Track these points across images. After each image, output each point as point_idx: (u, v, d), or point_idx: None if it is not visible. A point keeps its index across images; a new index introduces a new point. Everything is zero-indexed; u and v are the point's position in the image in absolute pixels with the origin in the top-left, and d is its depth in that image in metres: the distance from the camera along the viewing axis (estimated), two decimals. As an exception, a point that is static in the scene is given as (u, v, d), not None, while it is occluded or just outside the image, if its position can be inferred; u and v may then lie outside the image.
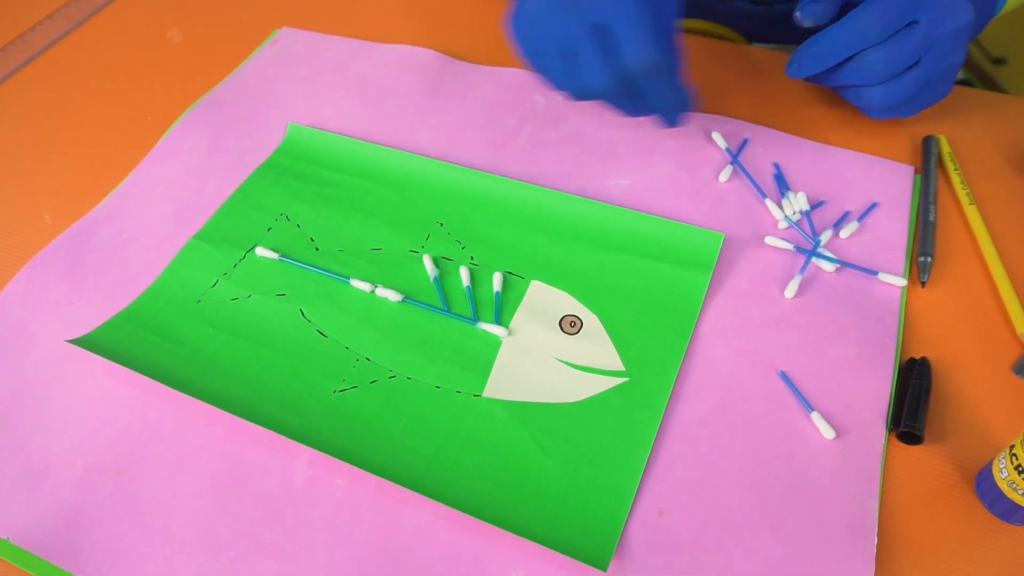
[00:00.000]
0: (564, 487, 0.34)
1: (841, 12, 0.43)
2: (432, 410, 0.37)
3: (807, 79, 0.46)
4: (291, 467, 0.36)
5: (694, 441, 0.36)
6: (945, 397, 0.37)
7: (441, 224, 0.45)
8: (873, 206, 0.45)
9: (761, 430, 0.36)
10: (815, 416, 0.36)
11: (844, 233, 0.43)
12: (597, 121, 0.51)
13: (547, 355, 0.39)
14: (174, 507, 0.35)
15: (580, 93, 0.43)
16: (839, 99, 0.51)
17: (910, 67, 0.43)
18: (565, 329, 0.40)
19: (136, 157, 0.51)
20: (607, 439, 0.36)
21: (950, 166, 0.47)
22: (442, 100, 0.53)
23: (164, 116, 0.54)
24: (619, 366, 0.38)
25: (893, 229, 0.44)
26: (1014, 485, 0.31)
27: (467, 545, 0.33)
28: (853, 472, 0.34)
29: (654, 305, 0.41)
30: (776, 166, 0.47)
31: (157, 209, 0.48)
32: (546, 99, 0.53)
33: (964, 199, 0.45)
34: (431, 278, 0.42)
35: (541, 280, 0.42)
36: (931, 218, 0.43)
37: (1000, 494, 0.32)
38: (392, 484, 0.34)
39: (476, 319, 0.41)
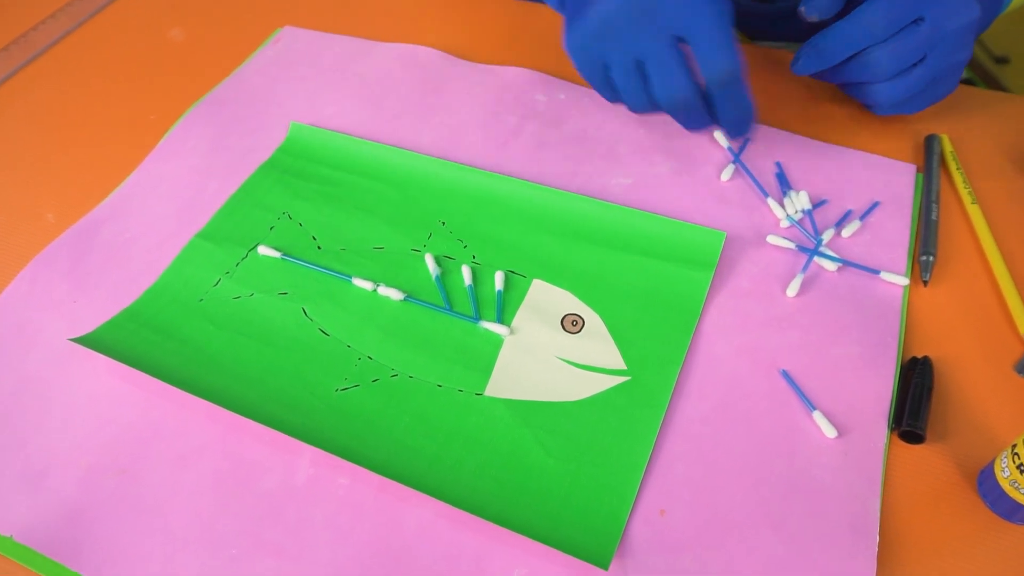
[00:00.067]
0: (566, 486, 0.34)
1: (846, 8, 0.43)
2: (434, 409, 0.37)
3: (812, 76, 0.46)
4: (293, 466, 0.36)
5: (696, 440, 0.36)
6: (947, 396, 0.37)
7: (443, 223, 0.45)
8: (875, 205, 0.45)
9: (763, 429, 0.36)
10: (817, 415, 0.36)
11: (846, 232, 0.43)
12: (599, 120, 0.51)
13: (549, 354, 0.39)
14: (176, 505, 0.35)
15: (648, 106, 0.43)
16: (841, 98, 0.51)
17: (916, 64, 0.43)
18: (567, 328, 0.40)
19: (138, 156, 0.51)
20: (609, 438, 0.36)
21: (952, 165, 0.46)
22: (444, 99, 0.53)
23: (166, 115, 0.54)
24: (621, 365, 0.38)
25: (895, 228, 0.44)
26: (1016, 484, 0.31)
27: (469, 544, 0.33)
28: (855, 471, 0.34)
29: (656, 304, 0.41)
30: (778, 165, 0.47)
31: (159, 208, 0.48)
32: (547, 98, 0.53)
33: (966, 198, 0.45)
34: (433, 277, 0.42)
35: (543, 279, 0.42)
36: (933, 217, 0.43)
37: (1002, 493, 0.32)
38: (394, 483, 0.34)
39: (478, 318, 0.41)
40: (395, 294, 0.41)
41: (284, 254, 0.44)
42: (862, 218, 0.44)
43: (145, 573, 0.33)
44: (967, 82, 0.46)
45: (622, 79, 0.42)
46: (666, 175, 0.47)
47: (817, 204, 0.45)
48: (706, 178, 0.47)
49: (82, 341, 0.40)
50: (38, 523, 0.35)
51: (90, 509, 0.35)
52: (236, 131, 0.52)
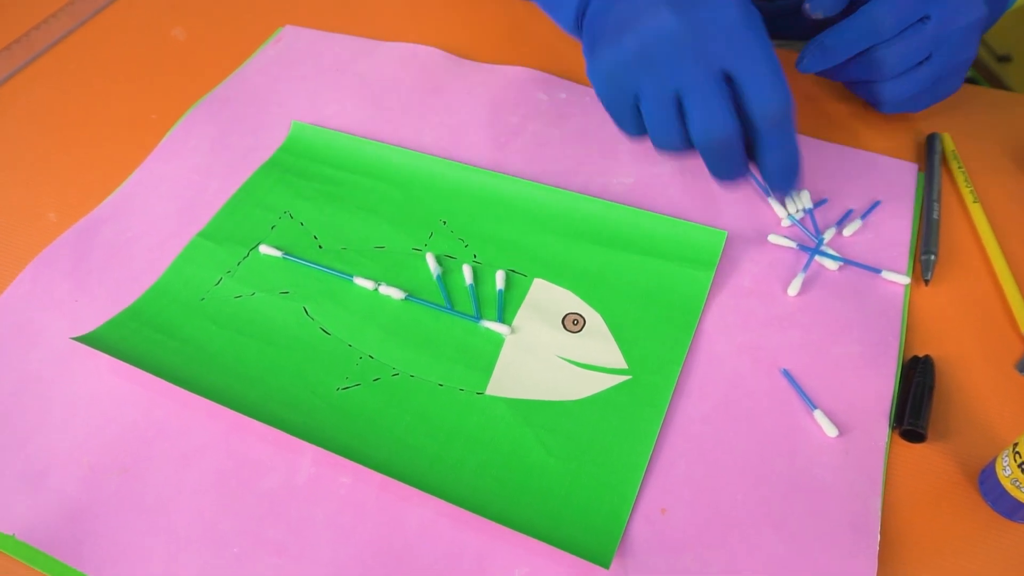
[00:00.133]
0: (567, 485, 0.35)
1: (850, 6, 0.43)
2: (435, 408, 0.37)
3: (816, 73, 0.46)
4: (295, 465, 0.36)
5: (697, 439, 0.36)
6: (948, 395, 0.37)
7: (444, 222, 0.45)
8: (876, 204, 0.45)
9: (764, 428, 0.36)
10: (818, 414, 0.36)
11: (847, 231, 0.43)
12: (600, 119, 0.51)
13: (550, 353, 0.39)
14: (178, 504, 0.35)
15: (680, 144, 0.39)
16: (841, 96, 0.51)
17: (921, 62, 0.43)
18: (568, 327, 0.40)
19: (140, 155, 0.51)
20: (610, 437, 0.36)
21: (954, 164, 0.46)
22: (445, 98, 0.53)
23: (168, 114, 0.54)
24: (622, 364, 0.38)
25: (896, 227, 0.44)
26: (1017, 483, 0.31)
27: (470, 543, 0.33)
28: (856, 470, 0.34)
29: (657, 303, 0.41)
30: (779, 164, 0.47)
31: (161, 207, 0.48)
32: (549, 97, 0.53)
33: (968, 197, 0.45)
34: (434, 276, 0.42)
35: (544, 278, 0.42)
36: (935, 216, 0.43)
37: (1003, 492, 0.32)
38: (395, 482, 0.34)
39: (479, 317, 0.41)
40: (396, 293, 0.41)
41: (285, 253, 0.44)
42: (863, 217, 0.44)
43: (147, 571, 0.33)
44: (969, 81, 0.46)
45: (655, 113, 0.38)
46: (667, 174, 0.47)
47: (818, 203, 0.45)
48: (707, 177, 0.47)
49: (84, 340, 0.40)
50: (40, 522, 0.35)
51: (92, 508, 0.35)
52: (237, 130, 0.52)
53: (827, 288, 0.41)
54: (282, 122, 0.52)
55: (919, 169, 0.47)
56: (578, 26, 0.44)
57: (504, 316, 0.41)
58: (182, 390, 0.38)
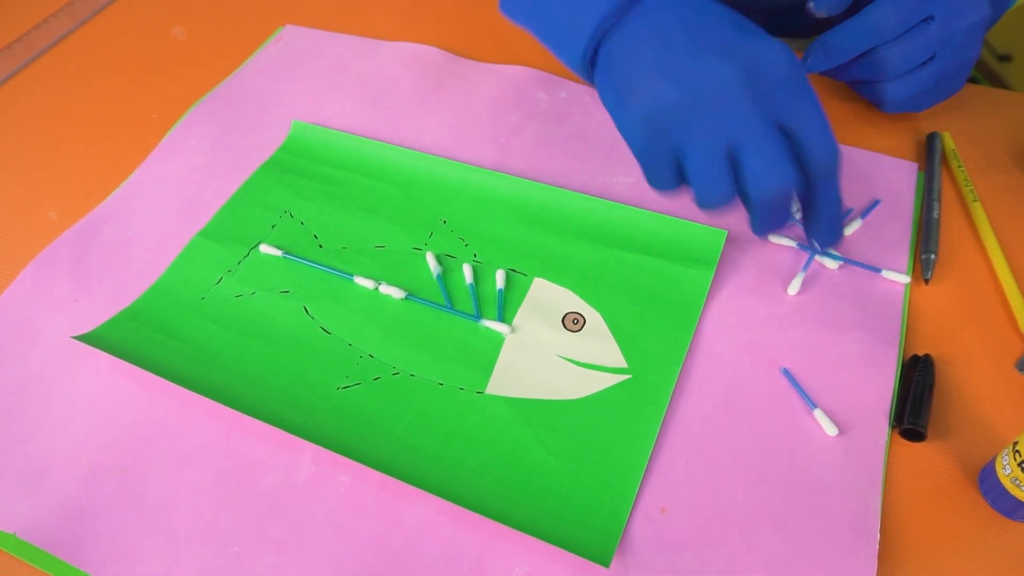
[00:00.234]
0: (567, 484, 0.35)
1: (853, 5, 0.43)
2: (435, 407, 0.37)
3: (820, 73, 0.46)
4: (295, 463, 0.36)
5: (697, 438, 0.36)
6: (948, 394, 0.37)
7: (444, 221, 0.45)
8: (876, 203, 0.45)
9: (764, 427, 0.36)
10: (818, 413, 0.36)
11: (847, 230, 0.43)
12: (600, 118, 0.51)
13: (550, 352, 0.39)
14: (179, 503, 0.35)
15: (729, 199, 0.36)
16: (842, 96, 0.51)
17: (925, 62, 0.43)
18: (568, 326, 0.40)
19: (140, 155, 0.51)
20: (610, 436, 0.36)
21: (954, 163, 0.46)
22: (445, 97, 0.53)
23: (168, 114, 0.54)
24: (622, 363, 0.38)
25: (896, 226, 0.44)
26: (1017, 482, 0.31)
27: (470, 542, 0.33)
28: (856, 469, 0.34)
29: (657, 302, 0.41)
30: (779, 163, 0.47)
31: (161, 207, 0.48)
32: (549, 96, 0.53)
33: (968, 196, 0.45)
34: (434, 275, 0.42)
35: (544, 277, 0.42)
36: (935, 215, 0.43)
37: (1003, 491, 0.32)
38: (395, 480, 0.34)
39: (479, 316, 0.41)
40: (396, 292, 0.41)
41: (286, 253, 0.44)
42: (863, 216, 0.44)
43: (147, 570, 0.33)
44: (970, 80, 0.46)
45: (705, 167, 0.35)
46: (667, 173, 0.47)
47: (818, 202, 0.45)
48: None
49: (84, 339, 0.40)
50: (41, 520, 0.35)
51: (93, 506, 0.35)
52: (238, 130, 0.52)
53: (827, 287, 0.41)
54: (282, 122, 0.52)
55: (919, 168, 0.47)
56: (586, 65, 0.40)
57: (504, 315, 0.41)
58: (182, 389, 0.38)
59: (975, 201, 0.44)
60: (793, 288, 0.41)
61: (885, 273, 0.41)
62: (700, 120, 0.34)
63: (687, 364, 0.38)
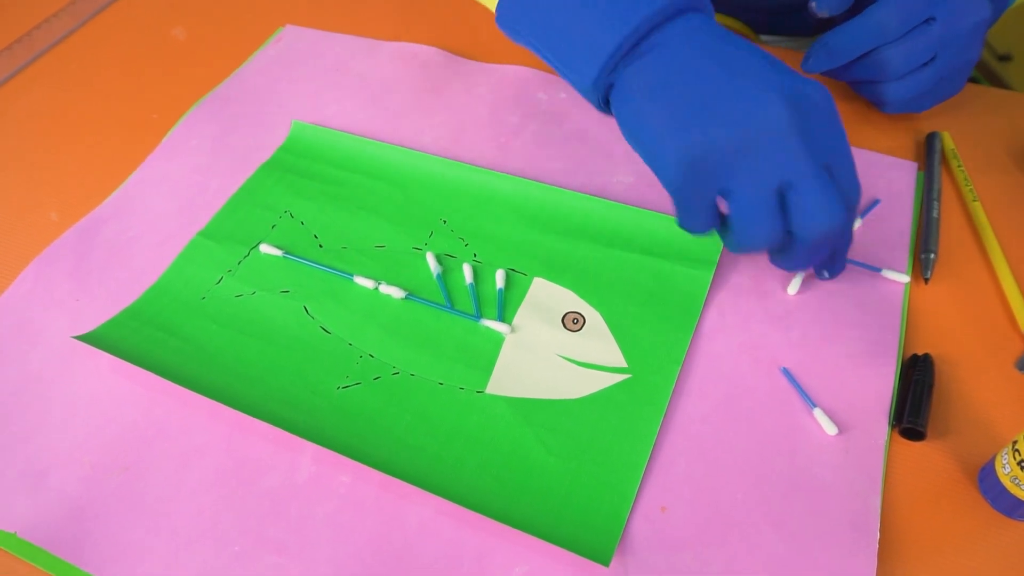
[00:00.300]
0: (567, 483, 0.35)
1: (855, 5, 0.43)
2: (435, 407, 0.37)
3: (821, 73, 0.46)
4: (295, 463, 0.36)
5: (696, 437, 0.36)
6: (948, 393, 0.37)
7: (444, 221, 0.45)
8: (876, 203, 0.45)
9: (764, 426, 0.36)
10: (818, 412, 0.36)
11: (847, 230, 0.43)
12: (600, 118, 0.51)
13: (550, 352, 0.39)
14: (179, 503, 0.35)
15: (775, 241, 0.35)
16: (842, 96, 0.51)
17: (926, 63, 0.43)
18: (568, 326, 0.40)
19: (141, 155, 0.51)
20: (610, 435, 0.36)
21: (953, 163, 0.46)
22: (445, 97, 0.53)
23: (169, 114, 0.54)
24: (622, 363, 0.39)
25: (896, 226, 0.44)
26: (1017, 481, 0.31)
27: (470, 541, 0.33)
28: (855, 468, 0.34)
29: (657, 302, 0.41)
30: (779, 163, 0.47)
31: (162, 207, 0.48)
32: (548, 96, 0.53)
33: (968, 195, 0.45)
34: (434, 275, 0.42)
35: (544, 277, 0.42)
36: (934, 215, 0.43)
37: (1003, 490, 0.32)
38: (395, 480, 0.34)
39: (479, 316, 0.41)
40: (396, 292, 0.41)
41: (286, 252, 0.44)
42: (863, 216, 0.44)
43: (148, 569, 0.33)
44: (970, 80, 0.46)
45: (755, 208, 0.34)
46: (667, 173, 0.47)
47: (818, 202, 0.45)
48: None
49: (85, 338, 0.40)
50: (42, 520, 0.35)
51: (93, 506, 0.35)
52: (238, 130, 0.52)
53: (827, 287, 0.41)
54: (282, 122, 0.52)
55: (919, 168, 0.47)
56: (598, 90, 0.37)
57: (504, 315, 0.41)
58: (183, 389, 0.38)
59: (975, 201, 0.44)
60: (793, 288, 0.41)
61: (885, 272, 0.41)
62: (751, 160, 0.33)
63: (687, 364, 0.38)
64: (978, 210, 0.44)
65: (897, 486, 0.34)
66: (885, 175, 0.46)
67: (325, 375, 0.39)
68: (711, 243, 0.42)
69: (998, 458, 0.33)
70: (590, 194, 0.45)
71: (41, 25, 0.63)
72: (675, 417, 0.37)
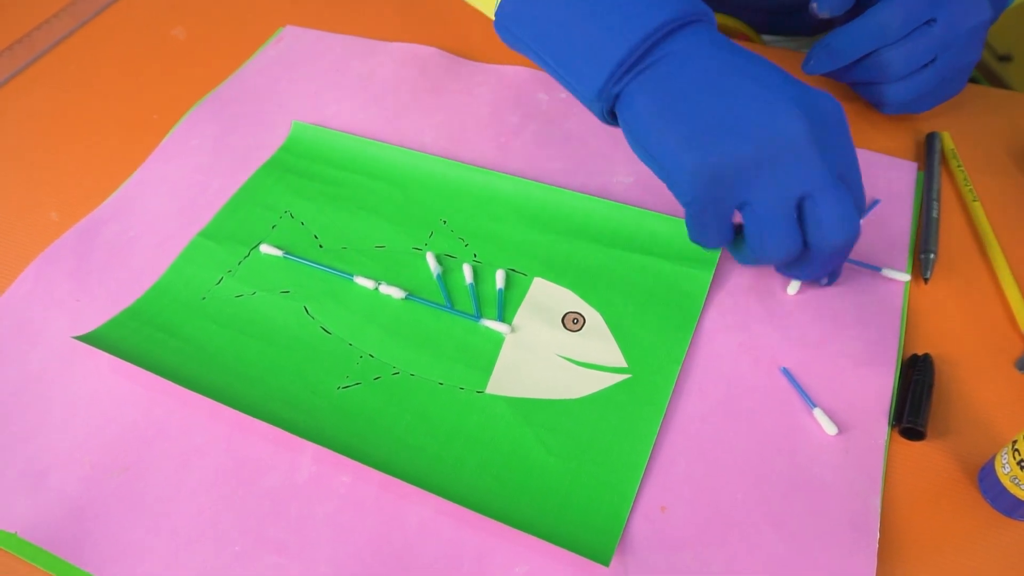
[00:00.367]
0: (567, 483, 0.35)
1: (856, 6, 0.43)
2: (435, 407, 0.37)
3: (821, 75, 0.46)
4: (295, 463, 0.36)
5: (696, 437, 0.36)
6: (948, 393, 0.37)
7: (444, 221, 0.45)
8: (876, 203, 0.45)
9: (763, 426, 0.36)
10: (817, 412, 0.36)
11: (847, 230, 0.43)
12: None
13: (550, 352, 0.39)
14: (179, 503, 0.35)
15: (793, 253, 0.35)
16: (842, 96, 0.51)
17: (926, 65, 0.43)
18: (568, 326, 0.40)
19: (141, 155, 0.51)
20: (609, 435, 0.36)
21: (953, 163, 0.46)
22: (445, 98, 0.53)
23: (169, 114, 0.54)
24: (621, 363, 0.39)
25: (896, 226, 0.44)
26: (1017, 480, 0.31)
27: (470, 541, 0.33)
28: (855, 468, 0.34)
29: (656, 302, 0.41)
30: (779, 163, 0.47)
31: (162, 207, 0.48)
32: (548, 97, 0.53)
33: (967, 195, 0.45)
34: (434, 275, 0.43)
35: (544, 277, 0.42)
36: (934, 215, 0.43)
37: (1003, 490, 0.32)
38: (395, 480, 0.34)
39: (479, 316, 0.41)
40: (396, 292, 0.41)
41: (286, 253, 0.44)
42: (863, 216, 0.44)
43: (148, 569, 0.33)
44: (970, 80, 0.47)
45: (773, 221, 0.34)
46: (667, 173, 0.47)
47: (818, 202, 0.45)
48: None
49: (85, 339, 0.40)
50: (42, 520, 0.35)
51: (93, 506, 0.35)
52: (238, 130, 0.52)
53: (826, 287, 0.41)
54: (283, 122, 0.52)
55: (918, 168, 0.47)
56: (603, 100, 0.37)
57: (504, 315, 0.41)
58: (183, 389, 0.38)
59: (974, 201, 0.44)
60: (792, 288, 0.41)
61: (885, 272, 0.41)
62: (771, 173, 0.33)
63: (687, 364, 0.38)
64: (978, 210, 0.44)
65: (897, 486, 0.34)
66: (885, 175, 0.46)
67: (325, 375, 0.39)
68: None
69: (998, 458, 0.33)
70: (590, 194, 0.45)
71: (41, 26, 0.63)
72: (675, 417, 0.37)
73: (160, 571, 0.33)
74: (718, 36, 0.36)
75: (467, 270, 0.42)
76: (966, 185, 0.45)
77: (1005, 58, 0.93)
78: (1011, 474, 0.31)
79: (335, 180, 0.48)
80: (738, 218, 0.36)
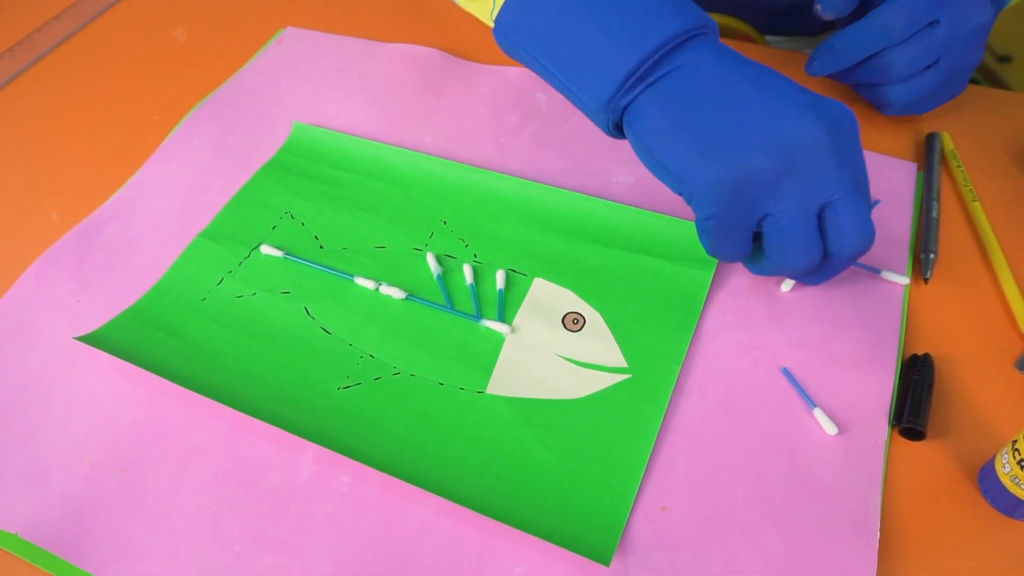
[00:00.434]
0: (567, 483, 0.35)
1: (859, 8, 0.43)
2: (435, 407, 0.37)
3: (825, 76, 0.46)
4: (296, 463, 0.36)
5: (697, 437, 0.36)
6: (948, 393, 0.37)
7: (444, 222, 0.45)
8: (876, 203, 0.45)
9: (764, 426, 0.36)
10: (818, 412, 0.36)
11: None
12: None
13: (550, 352, 0.39)
14: (180, 503, 0.35)
15: (814, 261, 0.35)
16: (841, 97, 0.51)
17: (929, 66, 0.43)
18: (568, 326, 0.40)
19: (142, 156, 0.51)
20: (610, 435, 0.36)
21: (953, 163, 0.46)
22: (445, 98, 0.53)
23: (170, 115, 0.54)
24: (622, 363, 0.39)
25: (896, 226, 0.44)
26: (1017, 480, 0.31)
27: (471, 541, 0.33)
28: (856, 468, 0.34)
29: (656, 302, 0.41)
30: (779, 163, 0.47)
31: (163, 207, 0.48)
32: (548, 97, 0.53)
33: (967, 196, 0.45)
34: (435, 276, 0.43)
35: (544, 277, 0.42)
36: (934, 215, 0.43)
37: (1003, 489, 0.32)
38: (396, 480, 0.34)
39: (479, 316, 0.41)
40: (397, 293, 0.42)
41: (286, 253, 0.44)
42: (863, 216, 0.44)
43: (149, 569, 0.33)
44: (970, 80, 0.47)
45: (798, 230, 0.34)
46: (667, 174, 0.47)
47: (818, 202, 0.45)
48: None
49: (86, 339, 0.40)
50: (42, 520, 0.35)
51: (94, 506, 0.35)
52: (239, 131, 0.52)
53: (826, 286, 0.41)
54: (283, 123, 0.53)
55: (918, 168, 0.47)
56: (611, 110, 0.36)
57: (504, 315, 0.41)
58: (184, 389, 0.38)
59: (974, 201, 0.44)
60: (786, 285, 0.41)
61: (884, 272, 0.41)
62: (793, 183, 0.33)
63: (687, 364, 0.38)
64: (978, 210, 0.44)
65: (897, 486, 0.34)
66: (885, 175, 0.46)
67: (326, 375, 0.39)
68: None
69: (998, 457, 0.33)
70: (590, 194, 0.45)
71: (43, 27, 0.63)
72: (675, 417, 0.37)
73: (160, 571, 0.33)
74: (724, 47, 0.36)
75: (467, 270, 0.42)
76: (966, 185, 0.45)
77: (1005, 59, 0.93)
78: (1011, 474, 0.31)
79: (335, 181, 0.48)
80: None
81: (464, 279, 0.42)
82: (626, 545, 0.33)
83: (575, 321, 0.40)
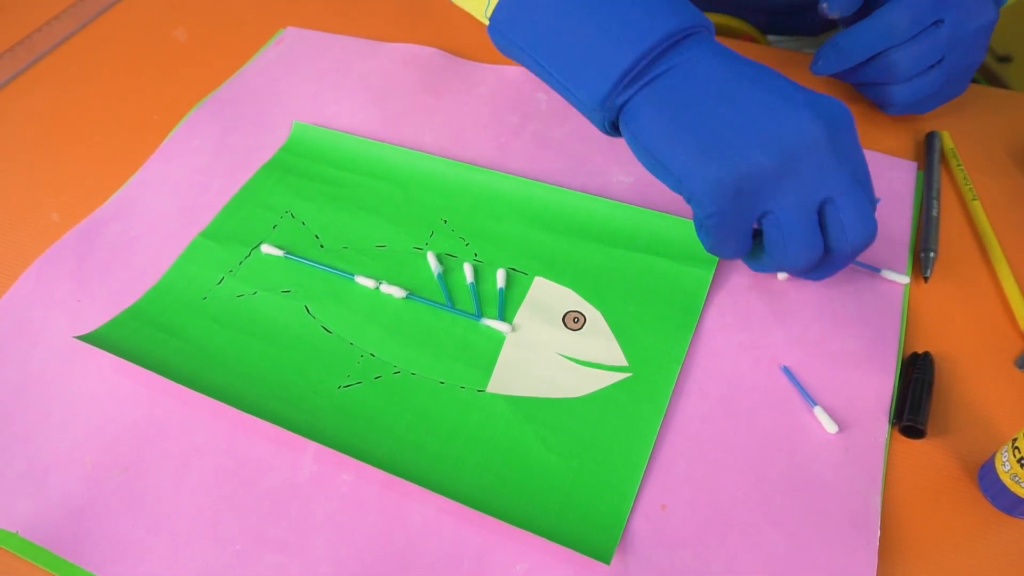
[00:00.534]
0: (567, 481, 0.35)
1: (863, 7, 0.43)
2: (436, 406, 0.38)
3: (829, 75, 0.46)
4: (296, 462, 0.36)
5: (697, 436, 0.36)
6: (948, 391, 0.37)
7: (445, 221, 0.46)
8: (876, 202, 0.44)
9: (764, 425, 0.36)
10: (818, 411, 0.36)
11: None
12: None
13: (550, 351, 0.39)
14: (180, 502, 0.35)
15: (815, 257, 0.35)
16: (842, 97, 0.51)
17: (933, 65, 0.43)
18: (568, 325, 0.40)
19: (142, 156, 0.51)
20: (610, 434, 0.36)
21: (953, 162, 0.47)
22: (445, 98, 0.53)
23: (170, 115, 0.54)
24: (622, 361, 0.39)
25: (896, 225, 0.44)
26: (1017, 478, 0.31)
27: (471, 539, 0.33)
28: (856, 466, 0.34)
29: (657, 301, 0.41)
30: (779, 162, 0.47)
31: (163, 207, 0.48)
32: (548, 96, 0.53)
33: (967, 195, 0.45)
34: (435, 275, 0.43)
35: (544, 276, 0.42)
36: (934, 214, 0.43)
37: (1003, 487, 0.32)
38: (397, 479, 0.34)
39: (480, 315, 0.41)
40: (397, 292, 0.42)
41: (287, 252, 0.44)
42: (863, 215, 0.44)
43: (149, 568, 0.33)
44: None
45: (799, 227, 0.34)
46: (667, 173, 0.47)
47: (818, 201, 0.45)
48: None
49: (86, 338, 0.40)
50: (43, 520, 0.35)
51: (95, 505, 0.35)
52: (239, 131, 0.52)
53: (827, 284, 0.41)
54: (283, 122, 0.53)
55: (918, 167, 0.47)
56: (605, 110, 0.36)
57: (505, 314, 0.41)
58: (184, 389, 0.38)
59: (974, 200, 0.44)
60: (782, 274, 0.41)
61: (885, 271, 0.41)
62: (793, 180, 0.33)
63: (687, 362, 0.38)
64: (978, 209, 0.44)
65: (897, 484, 0.34)
66: (885, 174, 0.46)
67: (326, 374, 0.39)
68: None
69: (998, 456, 0.33)
70: (590, 193, 0.45)
71: (43, 27, 0.63)
72: (675, 416, 0.37)
73: (160, 570, 0.33)
74: (719, 46, 0.36)
75: (468, 269, 0.42)
76: (966, 184, 0.45)
77: (1005, 59, 0.93)
78: (1011, 472, 0.31)
79: (336, 180, 0.48)
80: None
81: (465, 278, 0.42)
82: (626, 543, 0.33)
83: (575, 320, 0.40)
